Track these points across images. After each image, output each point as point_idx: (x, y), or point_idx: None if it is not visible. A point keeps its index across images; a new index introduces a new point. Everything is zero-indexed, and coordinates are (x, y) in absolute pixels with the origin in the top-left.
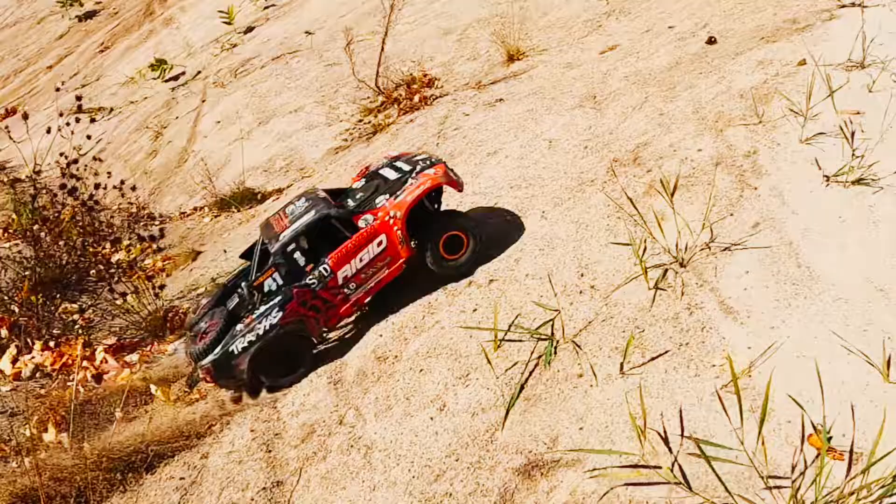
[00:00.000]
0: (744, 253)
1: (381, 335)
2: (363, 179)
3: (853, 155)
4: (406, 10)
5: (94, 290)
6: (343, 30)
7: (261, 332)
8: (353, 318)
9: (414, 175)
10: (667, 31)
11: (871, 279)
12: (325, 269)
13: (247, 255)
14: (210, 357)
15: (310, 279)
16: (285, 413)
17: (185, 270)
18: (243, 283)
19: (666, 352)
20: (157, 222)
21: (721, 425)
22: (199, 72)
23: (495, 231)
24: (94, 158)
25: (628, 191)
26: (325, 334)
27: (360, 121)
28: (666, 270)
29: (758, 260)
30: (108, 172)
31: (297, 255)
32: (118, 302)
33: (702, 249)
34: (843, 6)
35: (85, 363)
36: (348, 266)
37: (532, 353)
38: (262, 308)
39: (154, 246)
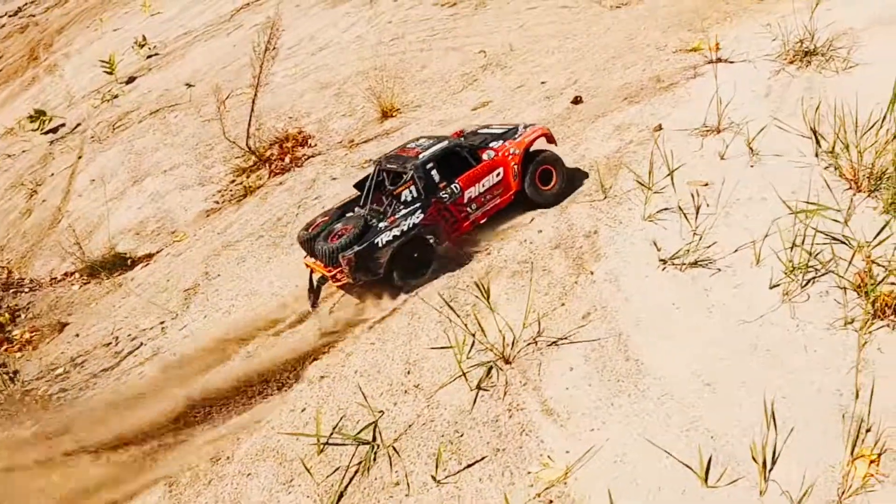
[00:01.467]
0: (571, 347)
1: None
2: (461, 138)
3: (693, 234)
4: (287, 61)
5: None
6: (222, 83)
7: (405, 228)
8: None
9: (524, 127)
10: (539, 87)
11: (699, 372)
12: (455, 187)
13: (359, 185)
14: (356, 248)
15: (442, 194)
16: None
17: (51, 343)
18: (389, 190)
19: (483, 458)
20: (26, 289)
21: None
22: (79, 124)
23: None
24: None
25: (465, 275)
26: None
27: (233, 181)
28: (491, 368)
29: (584, 355)
30: None
31: (433, 172)
32: None
33: (529, 344)
34: (710, 62)
35: None
36: (473, 188)
37: (352, 457)
38: (404, 210)
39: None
